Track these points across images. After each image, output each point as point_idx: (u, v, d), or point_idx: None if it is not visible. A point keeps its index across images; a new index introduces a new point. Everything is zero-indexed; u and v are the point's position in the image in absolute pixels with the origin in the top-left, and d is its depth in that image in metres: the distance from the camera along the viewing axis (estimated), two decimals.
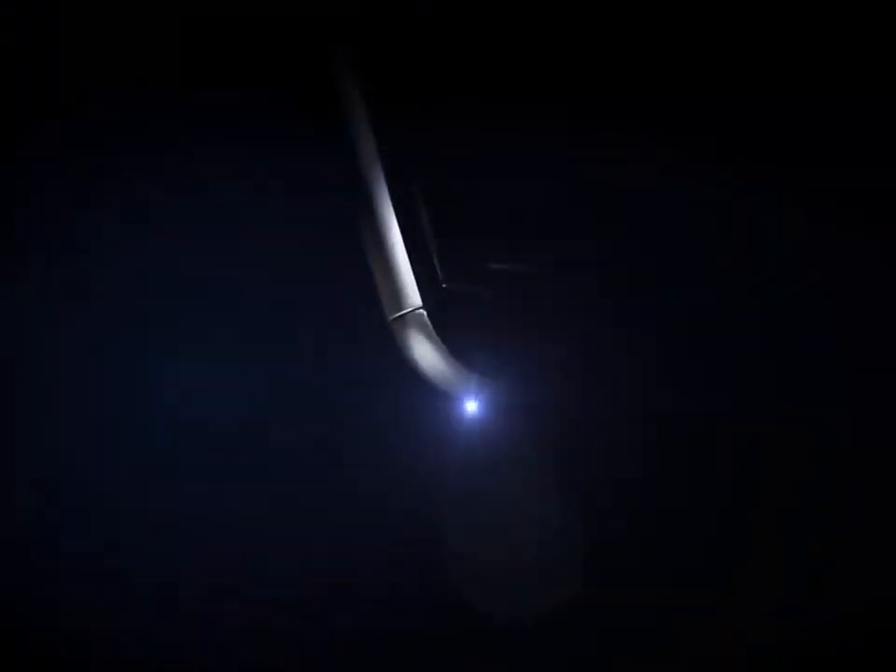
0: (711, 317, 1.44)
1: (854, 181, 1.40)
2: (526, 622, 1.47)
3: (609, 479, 1.47)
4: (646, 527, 1.47)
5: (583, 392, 1.43)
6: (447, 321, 1.41)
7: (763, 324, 1.44)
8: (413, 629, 1.49)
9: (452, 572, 1.49)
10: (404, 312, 1.40)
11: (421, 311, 1.40)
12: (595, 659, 1.47)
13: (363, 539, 1.47)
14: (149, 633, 1.49)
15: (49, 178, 1.51)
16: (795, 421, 1.42)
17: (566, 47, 1.46)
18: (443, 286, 1.42)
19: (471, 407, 1.43)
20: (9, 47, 1.53)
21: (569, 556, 1.47)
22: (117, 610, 1.49)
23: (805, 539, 1.42)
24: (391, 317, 1.40)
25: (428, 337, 1.40)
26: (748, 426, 1.43)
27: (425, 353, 1.40)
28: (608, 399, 1.43)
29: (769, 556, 1.44)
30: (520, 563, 1.49)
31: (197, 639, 1.49)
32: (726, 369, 1.42)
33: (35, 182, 1.51)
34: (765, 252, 1.42)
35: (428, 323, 1.40)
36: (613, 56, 1.45)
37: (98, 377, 1.49)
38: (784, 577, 1.43)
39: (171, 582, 1.49)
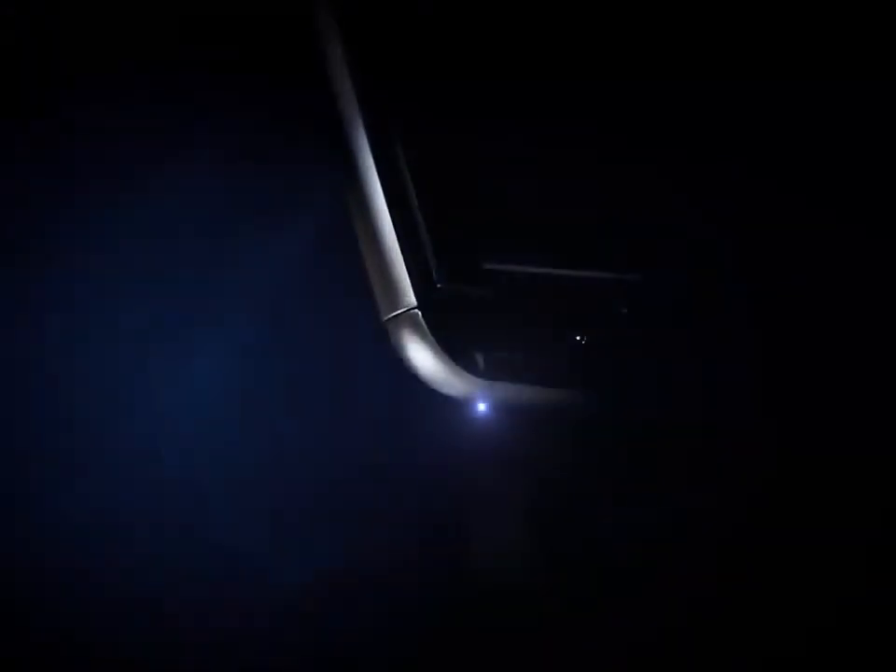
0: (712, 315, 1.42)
1: None
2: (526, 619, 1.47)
3: (608, 480, 1.46)
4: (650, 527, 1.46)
5: (581, 393, 1.42)
6: (442, 322, 1.40)
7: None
8: (413, 631, 1.49)
9: (452, 574, 1.48)
10: (399, 312, 1.39)
11: (416, 311, 1.39)
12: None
13: (358, 542, 1.47)
14: (149, 633, 1.49)
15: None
16: None
17: (567, 45, 1.45)
18: (438, 286, 1.41)
19: (467, 409, 1.42)
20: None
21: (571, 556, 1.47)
22: (115, 611, 1.49)
23: None
24: (385, 317, 1.39)
25: (423, 338, 1.39)
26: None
27: (420, 354, 1.39)
28: (606, 399, 1.42)
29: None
30: (521, 563, 1.49)
31: (196, 641, 1.49)
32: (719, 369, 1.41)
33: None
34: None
35: (423, 323, 1.39)
36: (615, 55, 1.44)
37: (90, 375, 1.49)
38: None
39: (171, 583, 1.49)
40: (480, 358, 1.40)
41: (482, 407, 1.41)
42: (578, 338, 1.40)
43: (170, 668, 1.50)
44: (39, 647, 1.49)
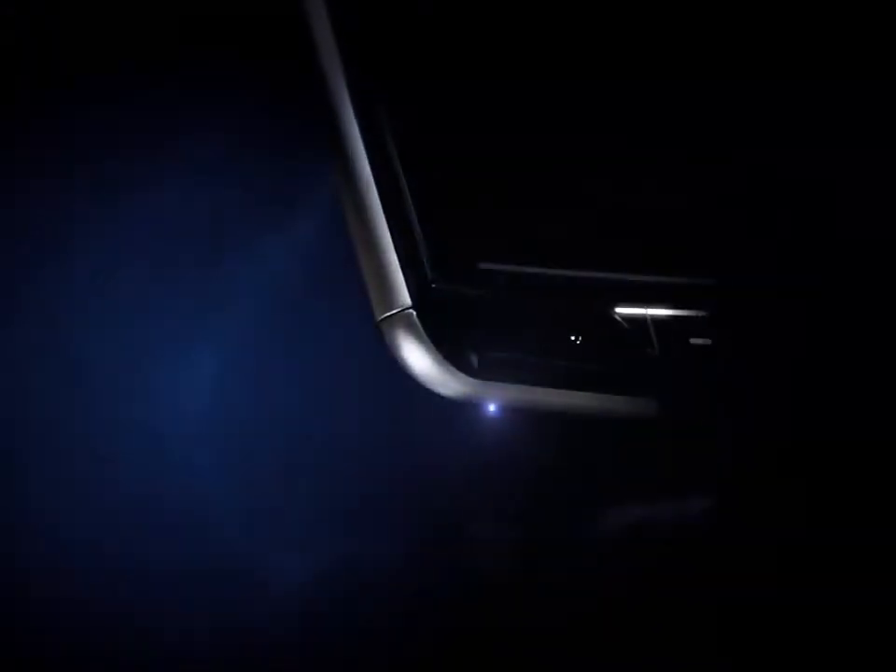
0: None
1: None
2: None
3: (607, 481, 1.46)
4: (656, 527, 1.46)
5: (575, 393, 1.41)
6: (437, 322, 1.39)
7: None
8: (413, 631, 1.49)
9: (450, 574, 1.48)
10: (393, 312, 1.39)
11: (410, 311, 1.39)
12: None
13: (354, 542, 1.46)
14: (148, 634, 1.49)
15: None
16: None
17: (567, 44, 1.45)
18: (433, 286, 1.41)
19: (462, 410, 1.41)
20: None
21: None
22: (115, 611, 1.50)
23: None
24: (379, 318, 1.39)
25: (418, 338, 1.38)
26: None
27: (414, 354, 1.38)
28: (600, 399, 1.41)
29: None
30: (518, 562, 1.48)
31: (196, 641, 1.49)
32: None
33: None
34: None
35: (418, 323, 1.38)
36: (615, 55, 1.43)
37: (85, 373, 1.50)
38: None
39: (170, 583, 1.50)
40: (475, 359, 1.40)
41: (491, 408, 1.41)
42: (573, 338, 1.39)
43: (169, 668, 1.50)
44: (38, 647, 1.49)
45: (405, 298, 1.38)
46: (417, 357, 1.38)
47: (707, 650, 1.46)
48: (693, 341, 1.38)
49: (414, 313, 1.38)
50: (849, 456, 1.39)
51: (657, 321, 1.38)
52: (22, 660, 1.50)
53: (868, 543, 1.41)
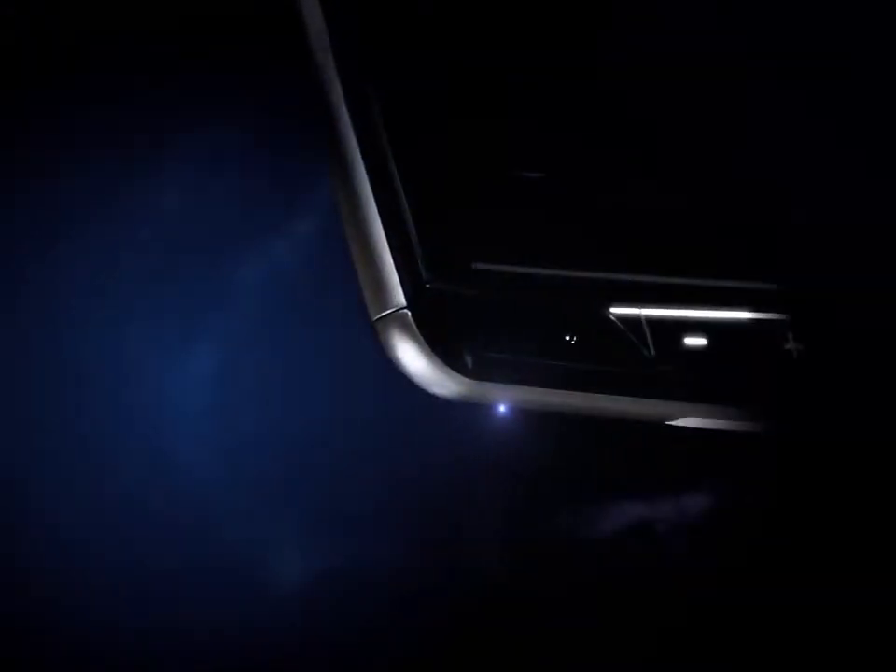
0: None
1: None
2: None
3: (605, 480, 1.45)
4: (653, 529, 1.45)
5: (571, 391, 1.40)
6: (432, 322, 1.39)
7: None
8: (413, 632, 1.48)
9: (446, 575, 1.48)
10: (388, 312, 1.38)
11: (405, 311, 1.38)
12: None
13: (348, 545, 1.46)
14: (148, 634, 1.50)
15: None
16: None
17: (561, 45, 1.44)
18: (428, 286, 1.40)
19: (457, 410, 1.41)
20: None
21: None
22: (115, 611, 1.50)
23: None
24: (374, 318, 1.39)
25: (413, 338, 1.38)
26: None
27: (409, 354, 1.38)
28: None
29: None
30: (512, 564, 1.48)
31: (196, 641, 1.50)
32: None
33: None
34: None
35: (412, 323, 1.38)
36: (611, 57, 1.43)
37: (76, 372, 1.50)
38: None
39: (170, 584, 1.50)
40: (470, 359, 1.39)
41: (486, 408, 1.40)
42: (568, 338, 1.39)
43: (169, 668, 1.51)
44: (38, 647, 1.50)
45: (400, 298, 1.38)
46: (412, 358, 1.38)
47: (707, 650, 1.45)
48: (688, 341, 1.38)
49: (409, 313, 1.38)
50: (847, 456, 1.38)
51: (652, 321, 1.38)
52: (22, 660, 1.51)
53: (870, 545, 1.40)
